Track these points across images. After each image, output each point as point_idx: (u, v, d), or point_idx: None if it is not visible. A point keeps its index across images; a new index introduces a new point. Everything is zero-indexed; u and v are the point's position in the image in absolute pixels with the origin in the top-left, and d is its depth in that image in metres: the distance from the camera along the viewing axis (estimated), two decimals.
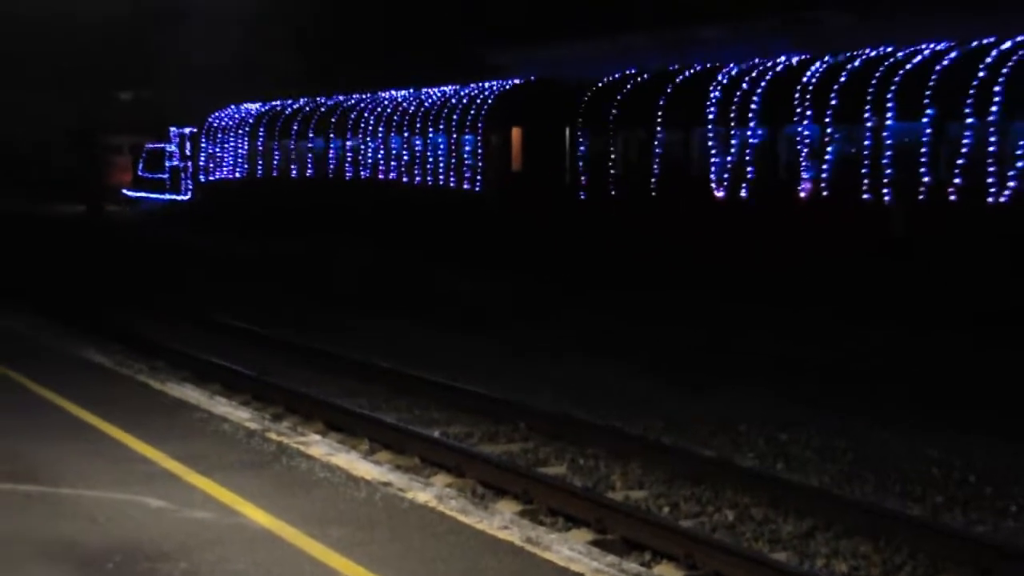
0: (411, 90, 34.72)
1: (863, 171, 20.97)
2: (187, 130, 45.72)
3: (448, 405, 13.91)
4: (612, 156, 26.44)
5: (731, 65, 24.44)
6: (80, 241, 38.55)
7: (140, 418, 11.09)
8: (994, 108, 19.03)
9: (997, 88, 18.99)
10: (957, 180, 19.55)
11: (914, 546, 8.93)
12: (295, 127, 39.09)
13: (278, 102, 41.80)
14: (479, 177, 30.31)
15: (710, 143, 23.84)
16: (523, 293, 23.92)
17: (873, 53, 21.98)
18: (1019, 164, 18.58)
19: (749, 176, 23.11)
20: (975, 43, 20.28)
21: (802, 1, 26.65)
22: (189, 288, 25.76)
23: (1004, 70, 19.09)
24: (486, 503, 9.47)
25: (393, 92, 35.38)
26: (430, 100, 33.03)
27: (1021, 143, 18.57)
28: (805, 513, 9.72)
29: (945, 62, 20.28)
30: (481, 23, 38.77)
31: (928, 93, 20.07)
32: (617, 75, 27.35)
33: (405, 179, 33.31)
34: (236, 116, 43.36)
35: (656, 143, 25.18)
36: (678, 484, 10.69)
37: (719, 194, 23.57)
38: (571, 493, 9.98)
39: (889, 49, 21.83)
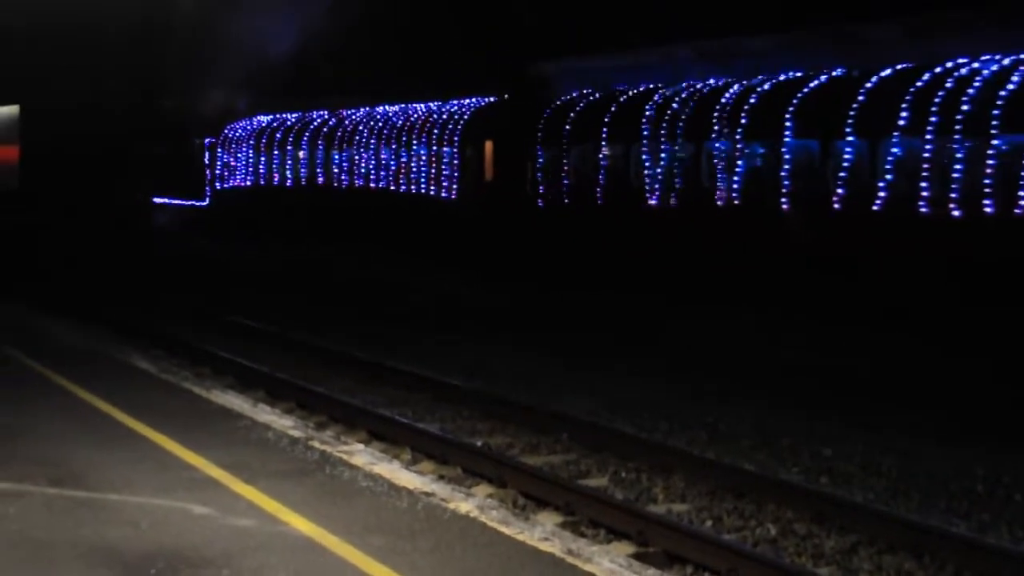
0: (400, 105, 37.30)
1: (766, 182, 23.70)
2: (206, 140, 48.20)
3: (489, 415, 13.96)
4: (565, 168, 29.19)
5: (665, 87, 27.10)
6: (122, 247, 39.13)
7: (185, 425, 11.16)
8: (870, 128, 21.73)
9: (875, 111, 21.57)
10: (840, 190, 22.17)
11: (959, 564, 8.84)
12: (304, 139, 41.79)
13: (287, 114, 44.47)
14: (455, 186, 32.99)
15: (644, 157, 26.46)
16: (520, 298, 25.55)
17: (783, 77, 24.58)
18: (888, 177, 21.16)
19: (677, 186, 25.82)
20: (856, 72, 22.99)
21: (850, 14, 26.51)
22: (207, 291, 26.27)
23: (876, 96, 21.79)
24: (527, 514, 9.47)
25: (386, 107, 38.02)
26: (416, 115, 35.70)
27: (889, 159, 21.16)
28: (849, 528, 9.66)
29: (831, 86, 23.15)
30: (525, 34, 38.82)
31: (818, 114, 22.85)
32: (575, 93, 29.82)
33: (392, 188, 36.07)
34: (248, 127, 46.13)
35: (601, 157, 28.03)
36: (720, 497, 10.64)
37: (652, 202, 26.20)
38: (613, 505, 9.95)
39: (799, 75, 24.35)
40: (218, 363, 16.84)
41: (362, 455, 10.32)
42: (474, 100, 33.71)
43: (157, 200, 52.05)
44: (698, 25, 30.42)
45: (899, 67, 22.13)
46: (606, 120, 27.87)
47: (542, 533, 8.05)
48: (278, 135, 43.56)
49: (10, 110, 56.89)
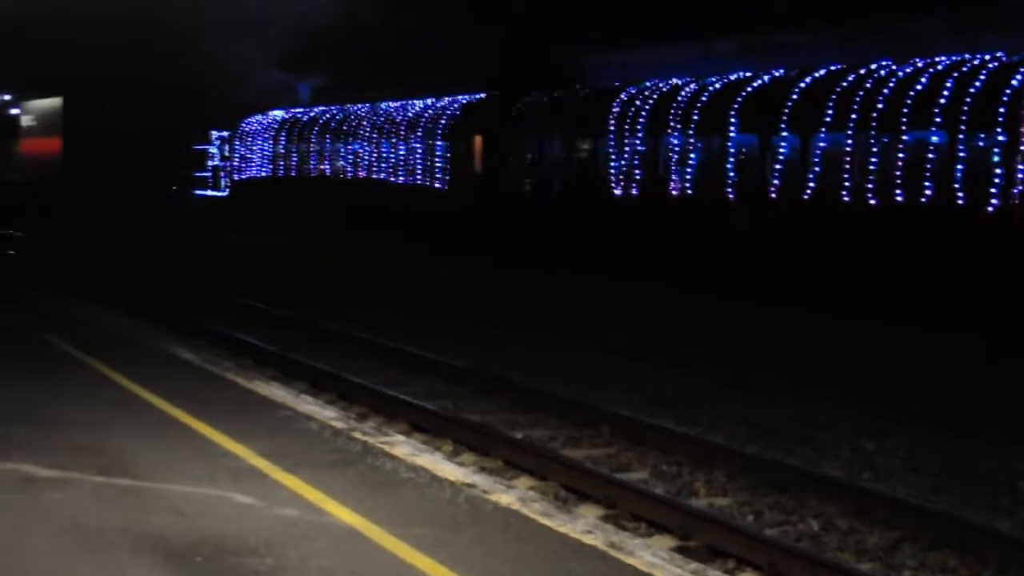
0: (400, 102, 39.20)
1: (713, 174, 25.37)
2: (225, 133, 50.40)
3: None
4: (538, 160, 30.94)
5: (629, 86, 28.57)
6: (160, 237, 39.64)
7: (228, 415, 11.23)
8: (803, 124, 23.29)
9: (806, 109, 23.17)
10: (776, 182, 23.90)
11: (1003, 561, 8.80)
12: (313, 132, 43.95)
13: (300, 109, 46.67)
14: (447, 177, 34.85)
15: (611, 150, 28.14)
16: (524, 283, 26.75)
17: (733, 77, 26.16)
18: (816, 169, 22.86)
19: (637, 177, 27.47)
20: (794, 72, 24.70)
21: (891, 7, 26.32)
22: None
23: (809, 94, 23.33)
24: (569, 507, 9.49)
25: (389, 103, 39.94)
26: (413, 110, 37.63)
27: (816, 153, 22.84)
28: (892, 524, 9.62)
29: (770, 85, 24.76)
30: (567, 26, 38.80)
31: (758, 112, 24.40)
32: (563, 91, 31.11)
33: (391, 179, 37.99)
34: (264, 122, 48.30)
35: (571, 150, 30.04)
36: (762, 492, 10.62)
37: (617, 192, 27.84)
38: (654, 499, 9.95)
39: (748, 74, 25.89)
40: (250, 349, 17.00)
41: (403, 446, 10.35)
42: (464, 96, 35.53)
43: (197, 192, 53.11)
44: (737, 19, 30.34)
45: (832, 68, 23.93)
46: (573, 116, 29.87)
47: (584, 526, 8.06)
48: (291, 129, 45.67)
49: (53, 102, 57.34)
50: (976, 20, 23.35)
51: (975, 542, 9.08)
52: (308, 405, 12.13)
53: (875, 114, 21.75)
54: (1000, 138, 19.73)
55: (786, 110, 23.72)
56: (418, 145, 36.62)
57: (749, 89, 25.24)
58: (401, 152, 37.55)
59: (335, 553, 7.31)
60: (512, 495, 8.76)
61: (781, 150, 23.90)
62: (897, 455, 11.98)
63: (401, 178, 37.47)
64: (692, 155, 26.12)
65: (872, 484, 10.86)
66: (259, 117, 48.97)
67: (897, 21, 25.23)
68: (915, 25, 24.83)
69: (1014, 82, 19.75)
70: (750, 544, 8.81)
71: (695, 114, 26.05)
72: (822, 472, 11.14)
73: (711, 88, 26.30)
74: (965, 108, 20.23)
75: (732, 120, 25.05)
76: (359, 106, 42.25)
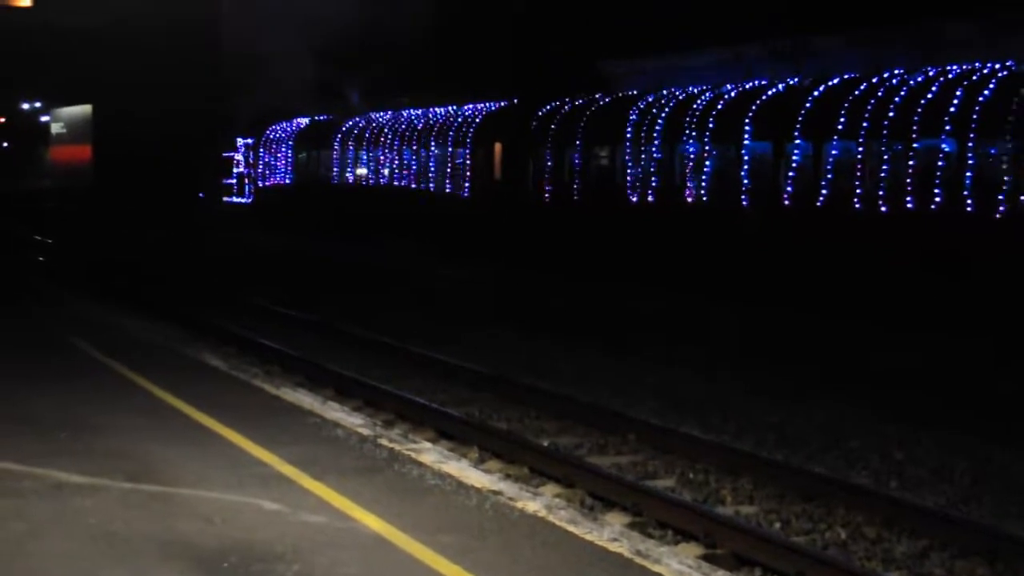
0: (421, 110, 39.76)
1: (729, 182, 25.89)
2: (250, 140, 51.26)
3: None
4: (553, 168, 31.76)
5: (647, 95, 29.21)
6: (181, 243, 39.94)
7: (256, 422, 11.27)
8: (816, 132, 23.58)
9: (819, 117, 23.45)
10: (789, 188, 24.33)
11: None
12: (336, 140, 44.61)
13: (322, 117, 47.17)
14: (467, 184, 35.48)
15: (627, 158, 28.72)
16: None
17: (749, 86, 26.60)
18: (829, 176, 23.02)
19: (654, 184, 27.99)
20: (808, 81, 25.07)
21: (924, 11, 26.24)
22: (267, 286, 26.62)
23: (824, 104, 23.58)
24: (595, 514, 9.46)
25: (410, 111, 40.52)
26: (434, 118, 38.02)
27: (830, 160, 22.99)
28: (920, 533, 9.57)
29: (785, 94, 25.11)
30: (595, 33, 38.83)
31: (772, 120, 24.81)
32: (581, 100, 31.87)
33: (413, 185, 38.62)
34: (288, 129, 48.78)
35: (588, 158, 30.61)
36: (789, 500, 10.58)
37: (633, 199, 28.34)
38: (681, 506, 9.93)
39: (763, 83, 26.36)
40: (278, 356, 17.06)
41: (430, 453, 10.36)
42: (485, 104, 35.96)
43: (225, 199, 53.49)
44: (766, 24, 30.30)
45: (846, 76, 24.37)
46: (581, 125, 30.49)
47: (611, 533, 8.05)
48: (314, 136, 46.18)
49: (83, 109, 57.72)
50: (1009, 25, 23.27)
51: (1006, 551, 9.02)
52: (335, 412, 12.16)
53: (886, 122, 21.87)
54: (1009, 146, 19.75)
55: (799, 119, 24.10)
56: (438, 152, 37.05)
57: (764, 97, 25.64)
58: (423, 159, 37.96)
59: (362, 560, 7.32)
60: (538, 502, 8.76)
61: (795, 159, 24.37)
62: (926, 465, 11.92)
63: (422, 184, 37.94)
64: (707, 163, 26.58)
65: (900, 493, 10.81)
66: (283, 124, 49.36)
67: (929, 26, 25.18)
68: (947, 30, 24.77)
69: (1023, 90, 19.76)
70: (776, 552, 8.79)
71: (711, 122, 26.47)
72: (851, 481, 11.10)
73: (726, 97, 26.71)
74: (975, 116, 20.22)
75: (747, 128, 25.48)
76: (381, 114, 42.70)
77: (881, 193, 21.85)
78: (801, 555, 8.67)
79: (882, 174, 21.94)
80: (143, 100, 50.36)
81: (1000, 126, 20.05)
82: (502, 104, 35.52)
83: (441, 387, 15.65)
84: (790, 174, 24.23)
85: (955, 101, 20.76)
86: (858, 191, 22.22)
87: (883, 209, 21.72)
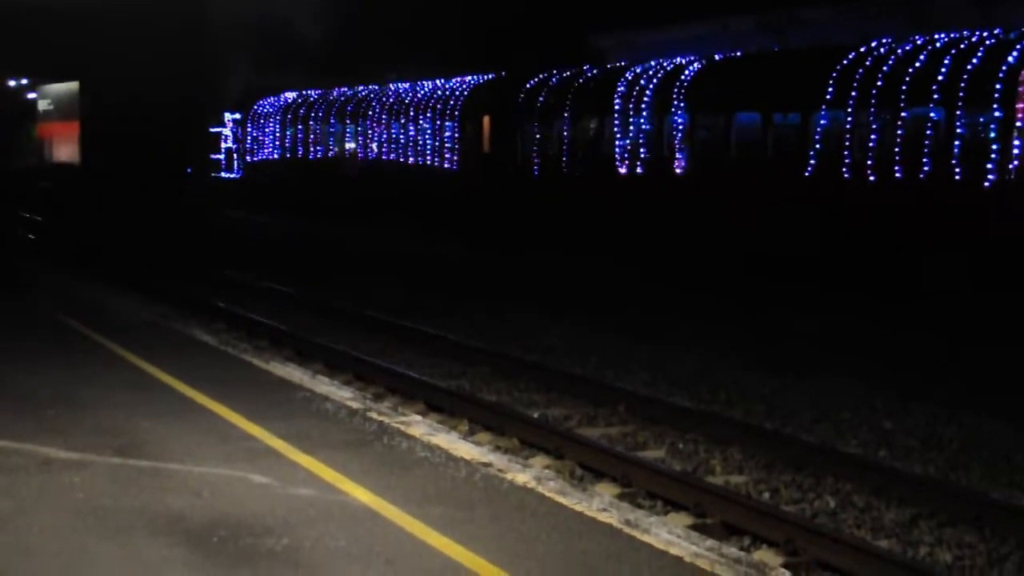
0: (409, 83, 39.50)
1: (718, 152, 25.69)
2: (238, 115, 51.16)
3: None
4: (542, 141, 31.25)
5: (635, 66, 28.76)
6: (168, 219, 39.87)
7: (245, 396, 11.25)
8: (805, 103, 23.27)
9: (811, 87, 22.96)
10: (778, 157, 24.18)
11: (1021, 537, 8.77)
12: (319, 114, 44.45)
13: (310, 91, 46.84)
14: (456, 157, 35.20)
15: (616, 129, 28.30)
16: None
17: (739, 54, 26.56)
18: (817, 146, 22.76)
19: (643, 156, 27.65)
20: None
21: None
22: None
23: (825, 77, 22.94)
24: (584, 485, 9.49)
25: (399, 84, 40.29)
26: (422, 91, 37.89)
27: (818, 131, 22.77)
28: (908, 501, 9.59)
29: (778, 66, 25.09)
30: (583, 6, 38.78)
31: (762, 90, 24.62)
32: (569, 71, 31.36)
33: (401, 159, 38.41)
34: (275, 104, 48.62)
35: (577, 131, 30.10)
36: (778, 470, 10.60)
37: (622, 170, 27.98)
38: (670, 477, 9.94)
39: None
40: (266, 331, 17.03)
41: (419, 426, 10.36)
42: (473, 77, 35.84)
43: (214, 175, 53.41)
44: None
45: (834, 45, 24.13)
46: (569, 97, 30.11)
47: (600, 504, 8.06)
48: (302, 111, 45.94)
49: (70, 86, 57.38)
50: None
51: (993, 518, 9.05)
52: (324, 386, 12.14)
53: (874, 91, 21.86)
54: (996, 114, 19.73)
55: (793, 89, 23.96)
56: (427, 126, 37.00)
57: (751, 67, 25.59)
58: (411, 133, 37.97)
59: (351, 532, 7.32)
60: (528, 474, 8.76)
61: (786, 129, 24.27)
62: (916, 435, 11.95)
63: (411, 158, 37.91)
64: (698, 134, 26.46)
65: (889, 462, 10.84)
66: (270, 99, 49.29)
67: None
68: (936, 1, 24.71)
69: (1010, 59, 19.69)
70: (766, 521, 8.80)
71: (699, 92, 26.32)
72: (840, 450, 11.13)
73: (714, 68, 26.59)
74: (962, 85, 20.20)
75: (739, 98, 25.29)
76: (369, 87, 42.60)
77: (869, 162, 21.80)
78: (791, 524, 8.67)
79: (870, 143, 21.89)
80: (130, 75, 50.15)
81: (988, 95, 20.01)
82: (490, 77, 35.50)
83: (431, 361, 15.65)
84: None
85: (943, 70, 20.70)
86: (846, 160, 22.18)
87: (871, 178, 21.69)
